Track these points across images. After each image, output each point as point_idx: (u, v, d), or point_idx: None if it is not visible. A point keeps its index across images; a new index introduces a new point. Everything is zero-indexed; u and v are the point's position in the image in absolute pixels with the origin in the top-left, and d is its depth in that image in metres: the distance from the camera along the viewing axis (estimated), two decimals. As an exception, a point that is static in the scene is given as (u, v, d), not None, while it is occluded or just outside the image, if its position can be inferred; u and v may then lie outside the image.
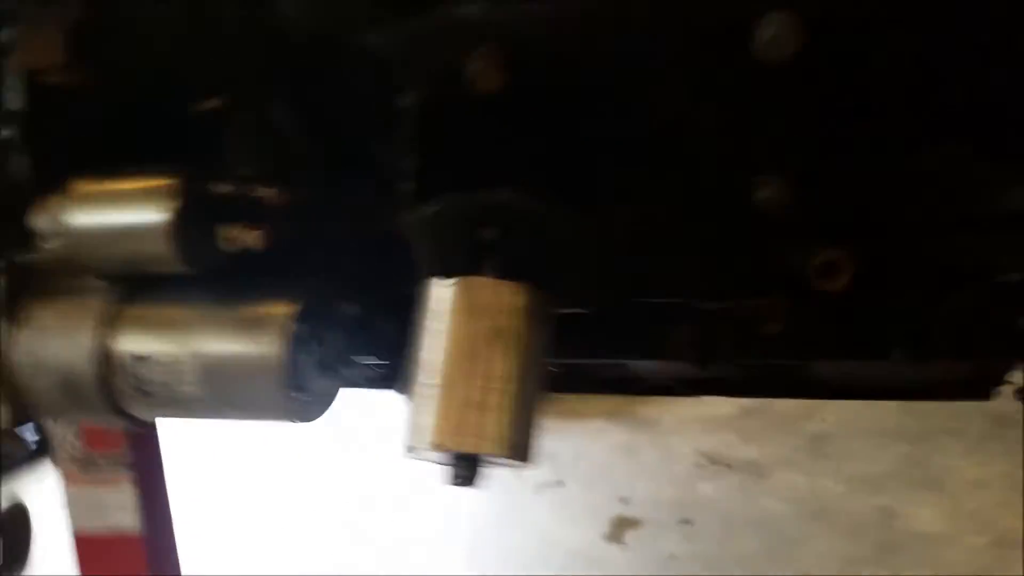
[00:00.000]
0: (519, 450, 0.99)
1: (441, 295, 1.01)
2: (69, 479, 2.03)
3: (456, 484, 0.98)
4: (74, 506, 2.04)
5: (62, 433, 1.98)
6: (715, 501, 3.65)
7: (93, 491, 2.02)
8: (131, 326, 1.19)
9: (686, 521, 3.51)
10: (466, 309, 0.99)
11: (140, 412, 1.23)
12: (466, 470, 0.98)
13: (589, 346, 1.24)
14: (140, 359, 1.17)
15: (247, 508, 3.96)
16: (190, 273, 1.18)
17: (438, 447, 0.97)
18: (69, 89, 1.21)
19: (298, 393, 1.14)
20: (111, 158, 1.23)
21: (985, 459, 3.60)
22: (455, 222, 1.02)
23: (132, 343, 1.18)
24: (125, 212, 1.15)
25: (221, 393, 1.16)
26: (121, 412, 1.23)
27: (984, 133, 0.97)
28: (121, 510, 2.01)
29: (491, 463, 0.98)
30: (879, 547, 3.17)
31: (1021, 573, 2.80)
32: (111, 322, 1.19)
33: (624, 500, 3.70)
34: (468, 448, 0.97)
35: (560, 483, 3.90)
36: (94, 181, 1.19)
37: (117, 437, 1.97)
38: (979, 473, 3.55)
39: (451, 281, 1.01)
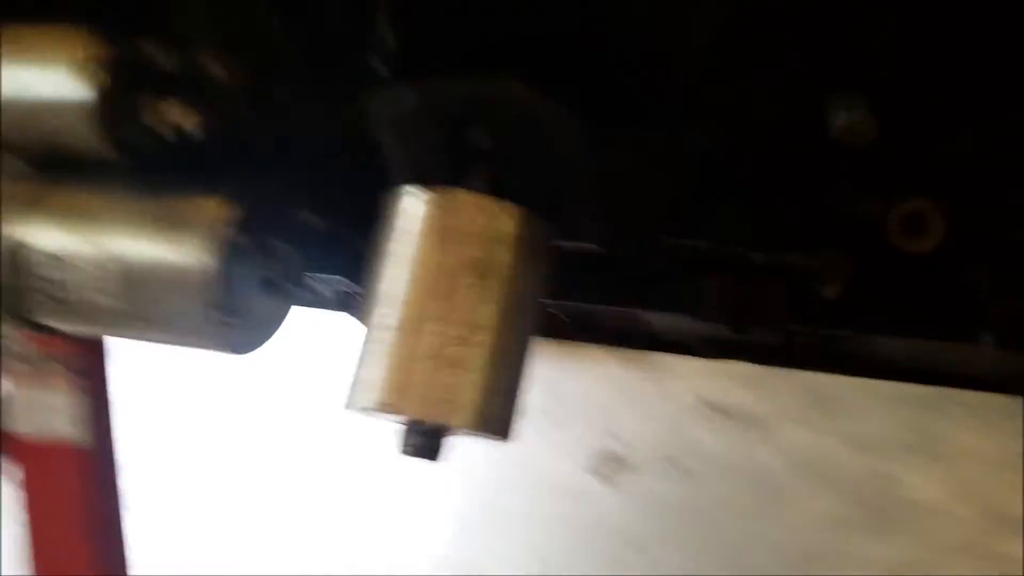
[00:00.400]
0: (495, 423, 0.77)
1: (412, 210, 0.78)
2: (10, 376, 1.84)
3: (409, 454, 0.77)
4: (13, 406, 1.86)
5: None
6: (710, 448, 3.51)
7: (34, 393, 1.84)
8: (48, 218, 0.98)
9: (677, 466, 3.37)
10: (442, 232, 0.77)
11: (52, 320, 1.02)
12: (425, 440, 0.76)
13: (600, 290, 1.01)
14: (54, 258, 0.96)
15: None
16: (119, 160, 0.95)
17: (388, 408, 0.75)
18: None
19: (230, 316, 0.93)
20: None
21: (991, 432, 3.46)
22: (434, 118, 0.78)
23: (47, 238, 0.97)
24: (38, 76, 0.91)
25: (141, 307, 0.95)
26: (26, 318, 1.03)
27: None
28: (61, 415, 1.83)
29: (458, 433, 0.78)
30: (873, 511, 3.05)
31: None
32: (26, 211, 0.98)
33: (614, 436, 3.54)
34: (432, 416, 0.74)
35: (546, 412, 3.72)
36: (18, 30, 0.95)
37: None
38: (982, 444, 3.40)
39: (426, 193, 0.78)
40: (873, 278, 0.92)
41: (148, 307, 0.95)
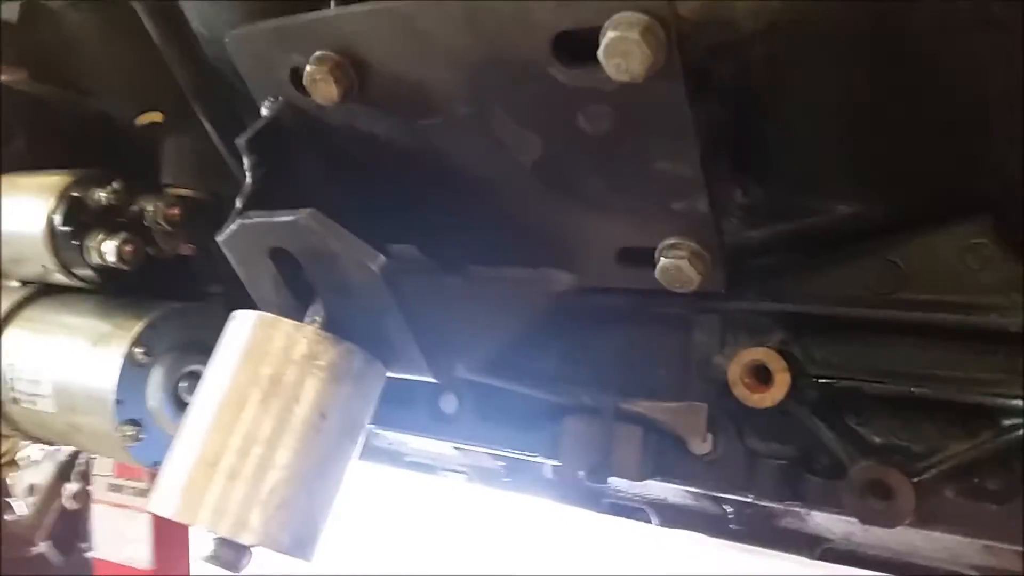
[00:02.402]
0: (272, 537, 0.78)
1: (236, 327, 0.84)
2: (97, 502, 2.05)
3: (210, 562, 0.79)
4: (99, 531, 2.05)
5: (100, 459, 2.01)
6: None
7: (116, 518, 2.02)
8: (16, 330, 1.15)
9: None
10: (251, 350, 0.82)
11: (21, 423, 1.17)
12: (224, 549, 0.78)
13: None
14: (13, 367, 1.12)
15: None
16: (71, 283, 1.11)
17: (182, 519, 0.78)
18: (24, 95, 1.22)
19: (134, 429, 1.02)
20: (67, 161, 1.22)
21: None
22: (253, 249, 0.85)
23: (11, 349, 1.13)
24: (13, 210, 1.11)
25: (68, 415, 1.07)
26: (8, 419, 1.18)
27: None
28: (136, 542, 1.98)
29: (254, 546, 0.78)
30: None
31: None
32: (3, 325, 1.15)
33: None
34: (221, 530, 0.76)
35: None
36: (10, 176, 1.17)
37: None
38: None
39: (247, 316, 0.84)
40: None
41: (74, 416, 1.06)
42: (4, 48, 1.13)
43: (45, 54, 1.16)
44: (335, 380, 0.82)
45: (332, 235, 0.81)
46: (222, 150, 1.18)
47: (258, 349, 0.81)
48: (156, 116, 1.21)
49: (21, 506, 2.49)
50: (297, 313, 0.87)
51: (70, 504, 2.39)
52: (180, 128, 1.22)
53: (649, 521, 1.19)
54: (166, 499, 0.79)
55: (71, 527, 2.65)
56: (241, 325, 0.83)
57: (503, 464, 1.19)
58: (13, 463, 2.23)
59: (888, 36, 0.71)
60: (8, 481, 2.44)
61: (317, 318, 0.86)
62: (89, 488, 2.19)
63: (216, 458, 0.78)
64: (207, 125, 1.16)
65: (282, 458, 0.79)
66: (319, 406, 0.81)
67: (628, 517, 1.19)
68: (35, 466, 2.45)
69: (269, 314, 0.84)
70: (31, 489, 2.50)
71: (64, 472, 2.33)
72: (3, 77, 1.17)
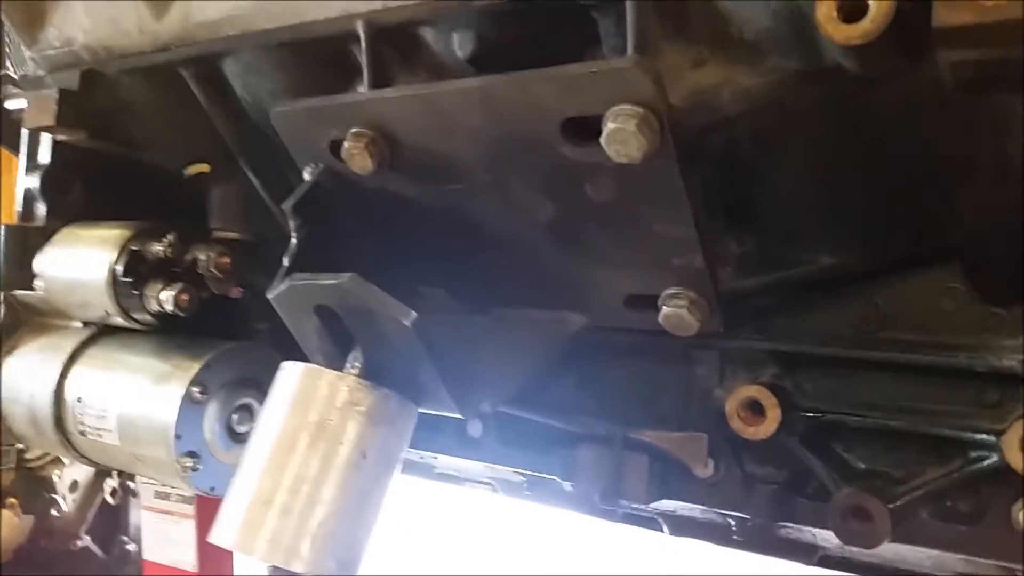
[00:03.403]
0: (320, 565, 0.88)
1: (286, 378, 0.95)
2: (146, 508, 2.18)
3: None
4: (147, 535, 2.18)
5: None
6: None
7: (163, 522, 2.14)
8: (83, 368, 1.26)
9: None
10: (299, 398, 0.93)
11: (87, 452, 1.29)
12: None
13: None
14: (79, 400, 1.23)
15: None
16: (130, 325, 1.22)
17: (240, 550, 0.90)
18: (81, 149, 1.33)
19: (192, 460, 1.13)
20: (120, 212, 1.34)
21: None
22: (300, 306, 0.96)
23: (78, 383, 1.25)
24: (78, 260, 1.22)
25: (131, 447, 1.18)
26: (74, 449, 1.30)
27: None
28: (182, 545, 2.11)
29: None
30: None
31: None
32: (71, 362, 1.27)
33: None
34: (273, 560, 0.88)
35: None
36: (72, 228, 1.28)
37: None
38: None
39: (296, 367, 0.95)
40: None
41: (137, 447, 1.18)
42: (65, 111, 1.24)
43: (102, 115, 1.27)
44: (373, 423, 0.92)
45: (370, 295, 0.91)
46: (265, 197, 1.29)
47: (305, 397, 0.92)
48: (203, 167, 1.32)
49: (64, 503, 2.61)
50: (338, 359, 0.98)
51: (111, 500, 2.52)
52: (225, 177, 1.33)
53: (660, 530, 1.29)
54: (227, 532, 0.90)
55: (112, 522, 2.79)
56: (290, 375, 0.94)
57: (524, 479, 1.29)
58: (58, 460, 2.37)
59: (857, 112, 0.80)
60: (53, 478, 2.56)
61: (357, 364, 0.96)
62: (129, 483, 2.31)
63: (270, 496, 0.89)
64: (251, 175, 1.27)
65: (328, 494, 0.90)
66: (360, 447, 0.91)
67: (641, 527, 1.28)
68: (76, 463, 2.57)
69: (315, 365, 0.94)
70: (74, 485, 2.62)
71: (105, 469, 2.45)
72: (64, 138, 1.28)
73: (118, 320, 1.22)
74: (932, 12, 0.60)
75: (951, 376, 0.86)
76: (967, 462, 0.85)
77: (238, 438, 1.18)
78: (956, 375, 0.86)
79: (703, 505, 1.00)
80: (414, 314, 0.90)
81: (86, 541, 2.93)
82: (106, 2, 1.20)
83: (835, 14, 0.66)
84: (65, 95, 1.23)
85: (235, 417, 1.17)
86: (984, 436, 0.83)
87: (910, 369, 0.88)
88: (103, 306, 1.20)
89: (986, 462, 0.83)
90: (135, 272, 1.17)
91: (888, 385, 0.90)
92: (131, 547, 2.85)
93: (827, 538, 1.12)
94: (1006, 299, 0.83)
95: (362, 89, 1.00)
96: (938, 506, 0.87)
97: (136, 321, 1.21)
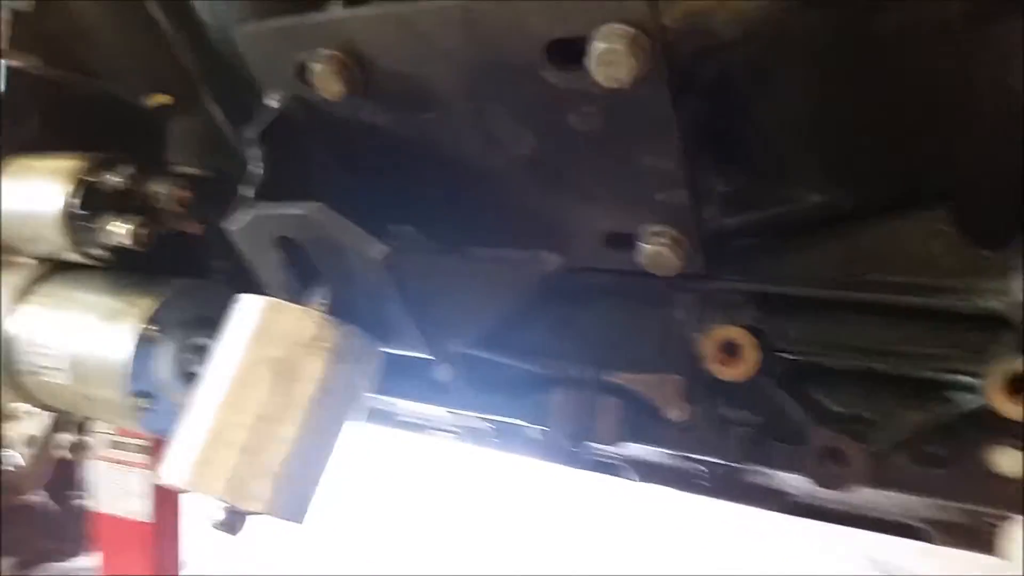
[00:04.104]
0: (278, 506, 0.85)
1: (245, 311, 0.91)
2: (100, 458, 2.13)
3: (215, 528, 0.86)
4: (100, 486, 2.13)
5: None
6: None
7: (117, 472, 2.10)
8: (33, 306, 1.20)
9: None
10: (261, 332, 0.88)
11: (36, 393, 1.23)
12: (227, 516, 0.86)
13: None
14: (28, 339, 1.18)
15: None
16: (84, 261, 1.16)
17: (193, 488, 0.85)
18: (36, 77, 1.25)
19: (145, 400, 1.09)
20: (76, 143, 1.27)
21: None
22: (261, 237, 0.91)
23: (27, 323, 1.19)
24: (30, 192, 1.16)
25: (82, 387, 1.13)
26: (24, 390, 1.24)
27: None
28: (136, 496, 2.07)
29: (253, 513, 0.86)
30: None
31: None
32: (20, 300, 1.21)
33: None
34: (228, 498, 0.84)
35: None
36: (24, 159, 1.21)
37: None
38: None
39: (255, 300, 0.90)
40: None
41: (87, 389, 1.13)
42: (18, 34, 1.17)
43: (57, 40, 1.20)
44: (338, 360, 0.89)
45: (338, 227, 0.87)
46: (228, 132, 1.23)
47: (267, 331, 0.88)
48: (165, 98, 1.26)
49: (18, 457, 2.55)
50: (300, 296, 0.94)
51: (67, 455, 2.46)
52: (188, 109, 1.26)
53: (629, 477, 1.28)
54: (180, 471, 0.86)
55: (66, 477, 2.74)
56: (250, 308, 0.89)
57: (492, 426, 1.27)
58: (12, 416, 2.31)
59: (854, 41, 0.77)
60: (7, 433, 2.50)
61: (324, 301, 0.92)
62: (85, 438, 2.26)
63: (228, 434, 0.85)
64: (214, 108, 1.21)
65: (290, 433, 0.86)
66: (324, 385, 0.87)
67: (609, 474, 1.27)
68: (33, 417, 2.51)
69: (277, 299, 0.90)
70: (29, 440, 2.56)
71: (61, 423, 2.40)
72: (18, 63, 1.21)
73: (71, 255, 1.16)
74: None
75: (935, 319, 0.85)
76: (947, 405, 0.84)
77: (193, 380, 1.13)
78: (940, 318, 0.85)
79: (676, 450, 0.99)
80: (385, 248, 0.86)
81: (40, 495, 2.87)
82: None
83: (839, -71, 0.62)
84: (18, 16, 1.15)
85: (190, 358, 1.12)
86: (966, 378, 0.82)
87: (894, 312, 0.87)
88: (56, 240, 1.14)
89: (966, 405, 0.82)
90: (90, 205, 1.11)
91: (871, 328, 0.88)
92: (83, 501, 2.80)
93: (797, 485, 1.12)
94: (995, 240, 0.82)
95: (334, 7, 0.95)
96: (914, 450, 0.86)
97: (91, 256, 1.15)
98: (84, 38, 1.22)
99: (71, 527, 2.82)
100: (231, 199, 1.27)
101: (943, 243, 0.84)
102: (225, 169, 1.30)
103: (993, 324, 0.81)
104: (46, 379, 1.16)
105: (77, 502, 2.80)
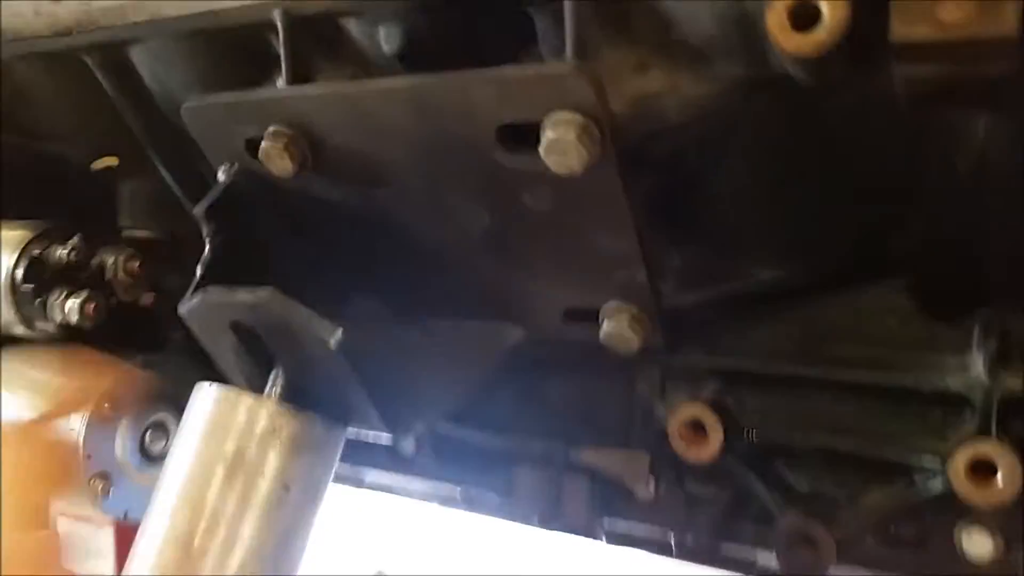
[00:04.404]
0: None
1: (200, 402, 0.88)
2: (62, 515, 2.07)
3: None
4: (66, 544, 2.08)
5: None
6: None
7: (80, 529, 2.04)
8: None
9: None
10: (215, 426, 0.85)
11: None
12: None
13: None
14: (-23, 416, 1.14)
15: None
16: (33, 336, 1.13)
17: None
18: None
19: (103, 482, 1.05)
20: (20, 206, 1.23)
21: None
22: (214, 322, 0.89)
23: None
24: (-26, 266, 1.12)
25: (35, 468, 1.09)
26: None
27: None
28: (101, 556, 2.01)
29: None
30: None
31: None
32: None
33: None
34: None
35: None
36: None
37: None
38: None
39: (211, 390, 0.88)
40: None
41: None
42: (-43, 99, 1.14)
43: (1, 103, 1.17)
44: (297, 452, 0.86)
45: (291, 313, 0.84)
46: (177, 192, 1.20)
47: (221, 424, 0.85)
48: (111, 160, 1.23)
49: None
50: (258, 379, 0.91)
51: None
52: (135, 171, 1.24)
53: (598, 539, 1.26)
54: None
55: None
56: (204, 400, 0.87)
57: (459, 492, 1.24)
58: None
59: (803, 121, 0.76)
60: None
61: (278, 386, 0.89)
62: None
63: (186, 537, 0.82)
64: (162, 169, 1.19)
65: (247, 533, 0.83)
66: (282, 479, 0.84)
67: (578, 534, 1.25)
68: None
69: (231, 388, 0.87)
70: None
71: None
72: (-44, 126, 1.17)
73: (18, 330, 1.13)
74: (889, 25, 0.56)
75: (895, 396, 0.84)
76: (911, 485, 0.83)
77: (153, 458, 1.10)
78: (900, 395, 0.84)
79: (644, 523, 0.97)
80: (340, 333, 0.84)
81: None
82: (-4, -23, 1.09)
83: (786, 22, 0.61)
84: (-42, 80, 1.12)
85: (149, 435, 1.08)
86: (929, 459, 0.81)
87: (854, 388, 0.85)
88: (1, 315, 1.10)
89: (930, 485, 0.81)
90: (36, 279, 1.08)
91: (830, 404, 0.87)
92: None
93: (768, 556, 1.11)
94: (952, 316, 0.81)
95: (281, 83, 0.93)
96: (882, 530, 0.85)
97: (39, 331, 1.12)
98: (24, 99, 1.19)
99: None
100: (183, 261, 1.25)
101: (900, 317, 0.84)
102: (177, 231, 1.28)
103: (954, 401, 0.80)
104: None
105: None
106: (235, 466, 0.83)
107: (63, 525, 2.08)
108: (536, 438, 0.99)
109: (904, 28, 0.56)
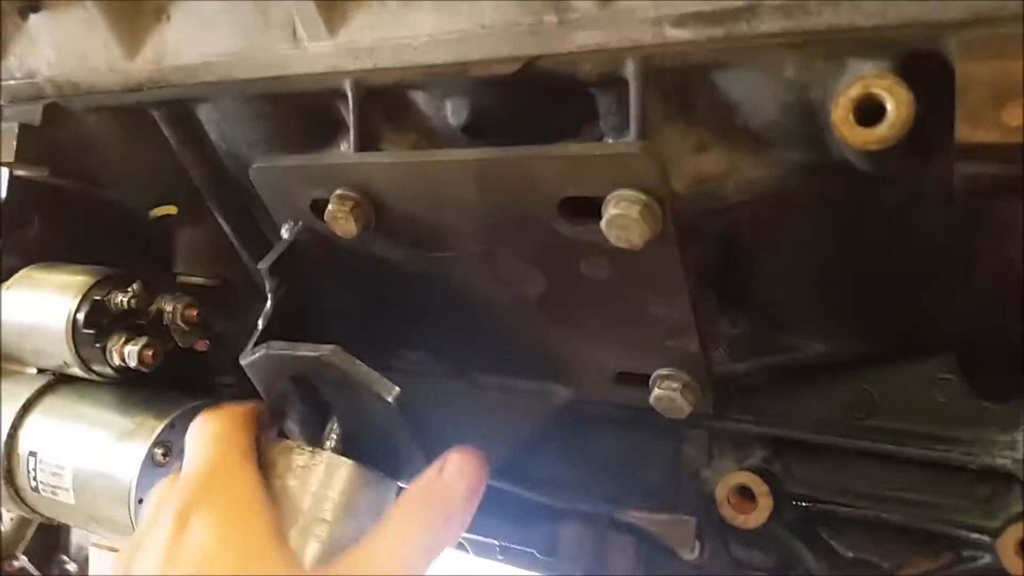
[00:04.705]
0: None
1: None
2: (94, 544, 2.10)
3: None
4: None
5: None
6: None
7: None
8: (38, 418, 1.20)
9: None
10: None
11: (39, 508, 1.22)
12: None
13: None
14: (32, 454, 1.17)
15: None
16: (89, 377, 1.16)
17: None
18: (41, 184, 1.26)
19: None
20: (77, 251, 1.28)
21: None
22: (274, 375, 0.91)
23: (33, 435, 1.18)
24: (36, 305, 1.16)
25: (88, 507, 1.12)
26: (25, 505, 1.23)
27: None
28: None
29: None
30: None
31: None
32: (24, 412, 1.20)
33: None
34: None
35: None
36: (31, 270, 1.22)
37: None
38: None
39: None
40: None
41: (95, 506, 1.12)
42: (24, 146, 1.18)
43: (64, 151, 1.21)
44: (350, 504, 0.88)
45: (352, 369, 0.87)
46: (235, 242, 1.24)
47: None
48: (170, 209, 1.27)
49: (1, 521, 2.51)
50: (313, 430, 0.94)
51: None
52: (193, 220, 1.27)
53: (637, 595, 1.27)
54: None
55: (51, 541, 2.69)
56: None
57: (498, 544, 1.26)
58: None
59: (859, 206, 0.79)
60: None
61: (333, 436, 0.92)
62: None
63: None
64: (220, 219, 1.22)
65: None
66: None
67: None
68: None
69: (288, 442, 0.90)
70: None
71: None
72: (24, 173, 1.22)
73: (76, 371, 1.16)
74: (955, 127, 0.59)
75: (941, 468, 0.85)
76: (958, 559, 0.84)
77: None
78: (947, 468, 0.85)
79: (688, 586, 0.98)
80: (397, 390, 0.86)
81: (23, 561, 2.81)
82: (73, 33, 1.14)
83: (851, 117, 0.64)
84: (25, 130, 1.16)
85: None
86: (975, 534, 0.82)
87: (899, 460, 0.87)
88: (61, 356, 1.14)
89: (978, 561, 0.82)
90: (97, 323, 1.11)
91: (877, 474, 0.89)
92: (71, 567, 2.74)
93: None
94: (1000, 395, 0.82)
95: (346, 148, 0.97)
96: (928, 601, 0.86)
97: (96, 373, 1.15)
98: (91, 149, 1.23)
99: (53, 595, 2.76)
100: (236, 308, 1.28)
101: (947, 392, 0.85)
102: (232, 278, 1.32)
103: (1000, 477, 0.82)
104: (51, 496, 1.15)
105: (63, 568, 2.75)
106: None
107: (93, 555, 2.11)
108: (580, 496, 1.00)
109: (969, 130, 0.58)
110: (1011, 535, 0.77)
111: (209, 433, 0.83)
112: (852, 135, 0.64)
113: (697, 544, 0.94)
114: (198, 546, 0.69)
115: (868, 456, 0.88)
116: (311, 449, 0.89)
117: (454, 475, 0.79)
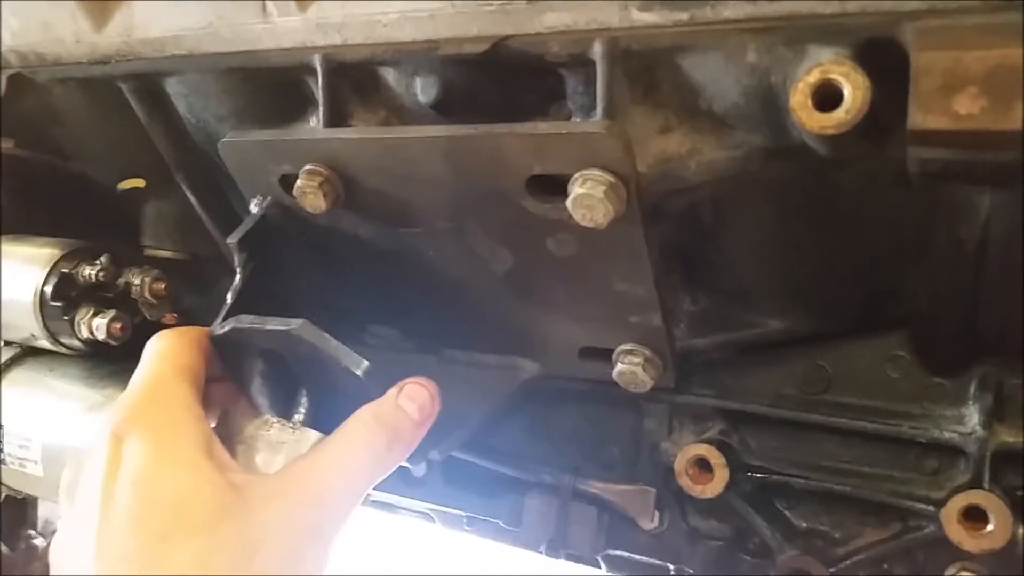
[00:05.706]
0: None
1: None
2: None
3: None
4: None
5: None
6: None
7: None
8: (3, 391, 1.19)
9: None
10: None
11: (6, 480, 1.22)
12: None
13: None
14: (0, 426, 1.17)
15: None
16: (57, 350, 1.16)
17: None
18: (7, 157, 1.25)
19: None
20: (45, 223, 1.27)
21: None
22: (239, 346, 0.92)
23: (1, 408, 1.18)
24: (3, 278, 1.15)
25: (57, 478, 1.12)
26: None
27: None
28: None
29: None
30: None
31: None
32: (-9, 384, 1.20)
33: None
34: None
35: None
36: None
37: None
38: None
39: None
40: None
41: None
42: (-10, 118, 1.17)
43: (30, 122, 1.20)
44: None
45: (323, 343, 0.88)
46: (203, 216, 1.24)
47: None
48: (138, 182, 1.26)
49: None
50: (282, 403, 0.95)
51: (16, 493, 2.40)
52: (161, 193, 1.27)
53: (599, 567, 1.30)
54: None
55: (18, 516, 2.67)
56: None
57: (465, 515, 1.28)
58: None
59: (817, 188, 0.81)
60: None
61: (302, 410, 0.93)
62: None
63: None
64: (188, 193, 1.22)
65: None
66: None
67: (584, 564, 1.29)
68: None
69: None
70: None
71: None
72: (-11, 146, 1.21)
73: (44, 343, 1.16)
74: (908, 114, 0.61)
75: (892, 442, 0.89)
76: (905, 529, 0.87)
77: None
78: (897, 441, 0.88)
79: (646, 557, 1.01)
80: (367, 364, 0.88)
81: (-12, 540, 2.80)
82: (38, 3, 1.13)
83: (809, 102, 0.66)
84: (-10, 99, 1.15)
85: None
86: (921, 505, 0.86)
87: (852, 433, 0.90)
88: (29, 328, 1.14)
89: (924, 530, 0.85)
90: (65, 296, 1.11)
91: (830, 447, 0.92)
92: (38, 541, 2.73)
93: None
94: (950, 371, 0.86)
95: (315, 123, 0.97)
96: (876, 568, 0.90)
97: (63, 345, 1.15)
98: (57, 121, 1.22)
99: (23, 571, 2.75)
100: (204, 281, 1.28)
101: (901, 370, 0.88)
102: (200, 252, 1.31)
103: (950, 451, 0.85)
104: (19, 468, 1.15)
105: (30, 543, 2.73)
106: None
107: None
108: (544, 468, 1.03)
109: (921, 117, 0.61)
110: (954, 505, 0.81)
111: (152, 350, 0.82)
112: (810, 120, 0.66)
113: (656, 514, 0.97)
114: (133, 464, 0.69)
115: (822, 430, 0.92)
116: (279, 421, 0.90)
117: (407, 401, 0.82)
